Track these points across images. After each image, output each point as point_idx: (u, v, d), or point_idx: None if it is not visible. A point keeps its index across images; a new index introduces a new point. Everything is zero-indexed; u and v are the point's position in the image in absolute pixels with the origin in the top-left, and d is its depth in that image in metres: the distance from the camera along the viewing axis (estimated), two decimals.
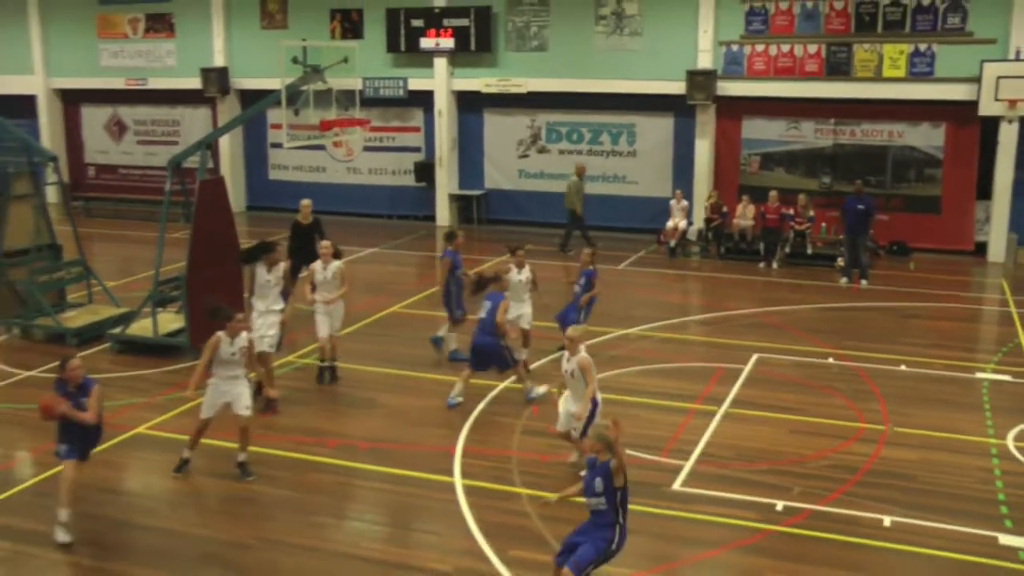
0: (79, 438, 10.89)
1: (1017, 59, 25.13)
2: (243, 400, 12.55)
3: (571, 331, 12.58)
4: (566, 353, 12.43)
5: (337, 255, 15.99)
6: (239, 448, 12.66)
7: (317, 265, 15.88)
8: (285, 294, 15.31)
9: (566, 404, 12.52)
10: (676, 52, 27.83)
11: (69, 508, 10.77)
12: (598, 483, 8.94)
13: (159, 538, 11.02)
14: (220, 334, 12.49)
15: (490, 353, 14.72)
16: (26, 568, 10.54)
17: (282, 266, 15.30)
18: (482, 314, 14.88)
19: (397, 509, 12.09)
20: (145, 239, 26.59)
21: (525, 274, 16.55)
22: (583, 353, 12.27)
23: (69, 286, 19.74)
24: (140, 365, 16.95)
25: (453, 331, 17.44)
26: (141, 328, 17.82)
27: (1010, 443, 13.91)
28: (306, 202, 20.74)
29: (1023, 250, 26.11)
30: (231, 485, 12.44)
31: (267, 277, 14.97)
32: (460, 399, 15.06)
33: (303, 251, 19.22)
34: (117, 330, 18.00)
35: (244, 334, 12.69)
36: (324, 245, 16.16)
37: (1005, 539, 11.15)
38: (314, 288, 15.86)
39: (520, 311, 16.52)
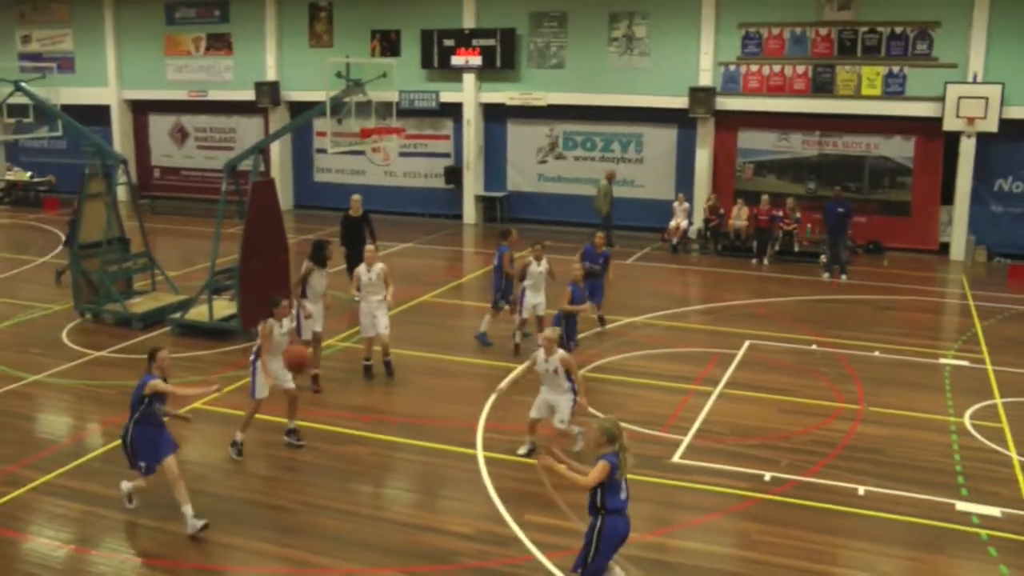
0: (155, 448, 10.51)
1: (975, 82, 25.33)
2: (289, 376, 12.65)
3: (549, 332, 12.35)
4: (541, 352, 12.13)
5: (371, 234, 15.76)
6: (289, 418, 12.85)
7: (362, 268, 15.30)
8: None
9: (544, 394, 12.36)
10: (680, 71, 27.94)
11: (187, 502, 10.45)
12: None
13: (212, 502, 11.08)
14: (271, 320, 12.50)
15: None
16: (95, 527, 10.67)
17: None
18: None
19: (424, 478, 12.22)
20: (203, 234, 27.07)
21: (544, 266, 16.73)
22: (561, 352, 12.18)
23: (135, 275, 19.92)
24: (197, 347, 17.08)
25: (493, 318, 17.55)
26: (198, 314, 17.93)
27: (967, 421, 14.07)
28: (356, 197, 20.82)
29: (980, 249, 26.30)
30: (276, 455, 12.60)
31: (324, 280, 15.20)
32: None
33: (354, 242, 19.48)
34: (177, 315, 18.16)
35: (287, 319, 12.78)
36: (369, 249, 15.74)
37: (961, 505, 11.34)
38: (359, 290, 15.31)
39: (537, 299, 16.74)
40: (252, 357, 12.62)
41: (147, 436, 10.49)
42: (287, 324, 12.76)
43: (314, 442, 12.90)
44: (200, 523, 10.36)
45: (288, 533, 10.59)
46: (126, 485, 10.88)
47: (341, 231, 20.34)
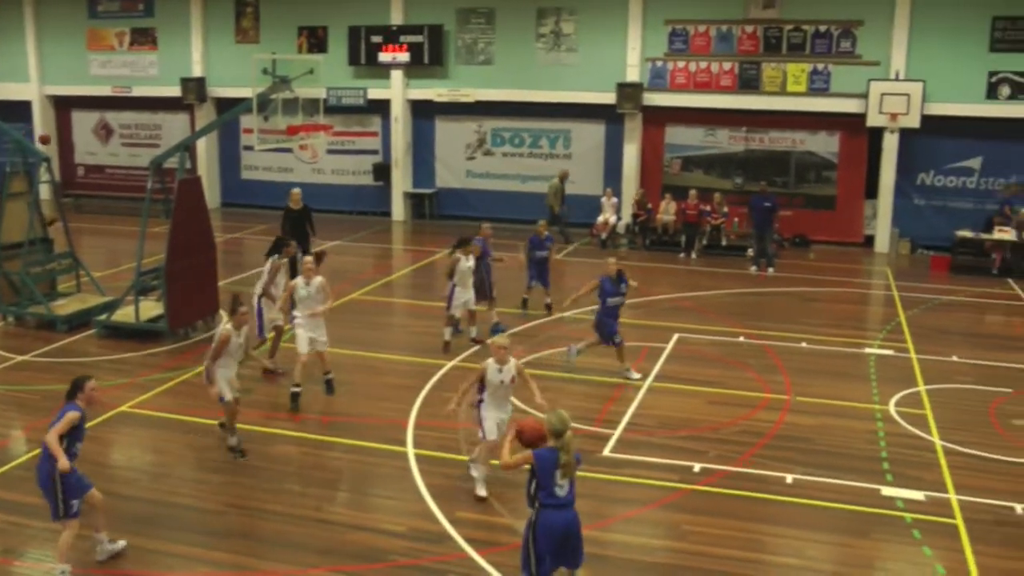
0: (79, 481, 9.39)
1: (897, 79, 25.84)
2: (235, 386, 12.50)
3: (499, 339, 11.24)
4: (492, 362, 10.99)
5: (320, 257, 15.12)
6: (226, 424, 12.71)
7: (299, 281, 14.24)
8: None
9: (496, 412, 11.18)
10: (607, 67, 28.13)
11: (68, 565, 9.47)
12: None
13: (141, 507, 10.94)
14: (229, 327, 12.17)
15: None
16: (19, 537, 10.36)
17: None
18: None
19: (356, 477, 12.13)
20: (129, 233, 26.56)
21: (471, 262, 16.75)
22: (513, 360, 11.15)
23: (60, 276, 19.52)
24: (123, 348, 16.80)
25: (492, 309, 17.75)
26: (124, 315, 17.66)
27: (892, 408, 14.33)
28: (296, 191, 20.88)
29: (904, 242, 26.86)
30: (205, 457, 12.42)
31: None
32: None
33: (297, 236, 19.40)
34: (103, 317, 17.82)
35: (245, 327, 12.48)
36: (308, 261, 14.58)
37: (886, 490, 11.55)
38: (294, 305, 14.44)
39: (467, 296, 16.77)
40: (208, 362, 12.32)
41: (72, 472, 9.27)
42: (244, 333, 12.46)
43: (245, 443, 12.71)
44: (118, 546, 9.93)
45: (218, 536, 10.43)
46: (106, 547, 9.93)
47: (283, 225, 20.36)
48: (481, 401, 11.20)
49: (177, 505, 11.15)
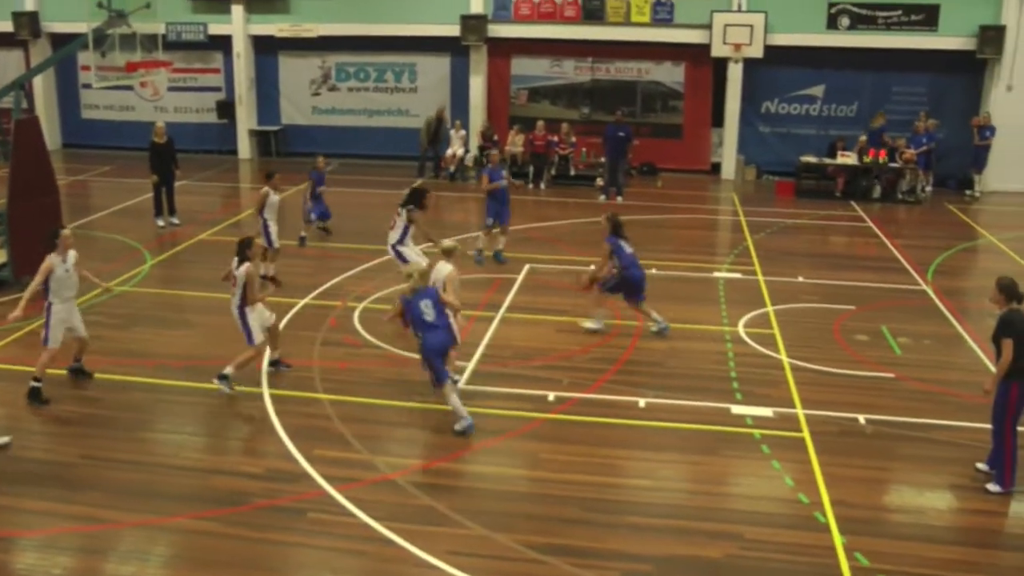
0: None
1: (739, 11, 26.29)
2: (78, 317, 12.19)
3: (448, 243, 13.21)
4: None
5: (244, 256, 12.37)
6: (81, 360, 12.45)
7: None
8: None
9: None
10: None
11: None
12: (426, 304, 11.18)
13: None
14: (51, 256, 11.78)
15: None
16: None
17: None
18: None
19: (211, 420, 11.86)
20: None
21: (278, 196, 17.06)
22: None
23: None
24: None
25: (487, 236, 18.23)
26: None
27: (740, 329, 14.67)
28: (160, 124, 20.91)
29: (750, 168, 27.48)
30: (54, 409, 11.92)
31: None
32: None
33: (164, 169, 20.18)
34: None
35: (73, 252, 12.05)
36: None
37: (736, 409, 11.84)
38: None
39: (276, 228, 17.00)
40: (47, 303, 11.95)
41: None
42: (72, 258, 12.01)
43: (96, 392, 12.33)
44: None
45: (72, 488, 10.05)
46: None
47: (150, 159, 20.48)
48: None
49: (29, 460, 10.69)
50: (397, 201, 15.69)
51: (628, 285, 14.39)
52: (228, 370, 12.20)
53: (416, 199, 15.46)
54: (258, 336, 12.34)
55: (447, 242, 13.19)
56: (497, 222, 18.56)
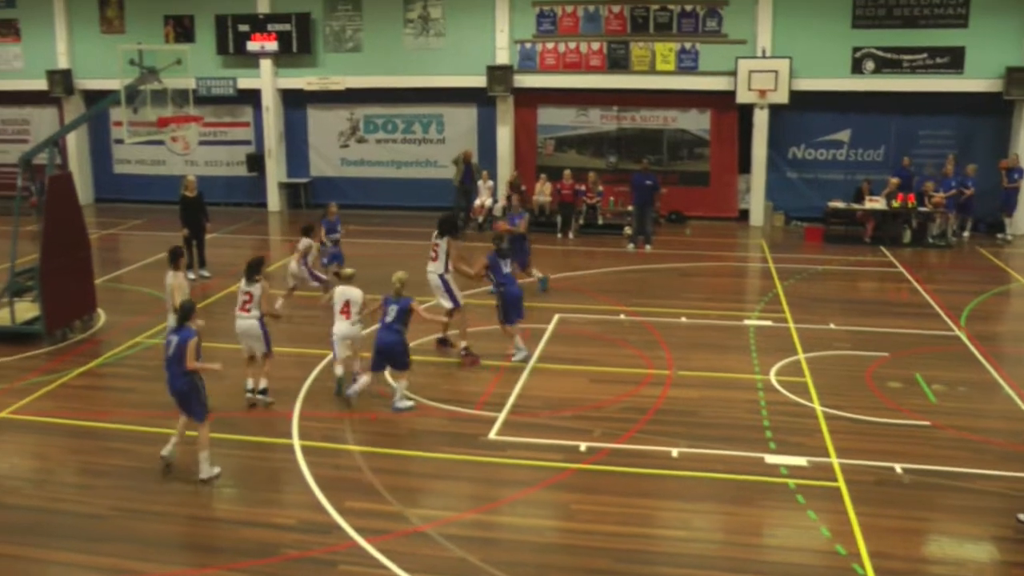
0: None
1: (763, 57, 26.30)
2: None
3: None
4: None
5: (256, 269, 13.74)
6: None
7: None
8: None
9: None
10: (477, 50, 28.00)
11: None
12: (392, 309, 13.23)
13: (23, 516, 10.56)
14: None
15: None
16: None
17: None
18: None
19: (242, 472, 11.82)
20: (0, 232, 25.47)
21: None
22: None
23: None
24: None
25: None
26: None
27: (772, 378, 14.52)
28: (191, 178, 21.23)
29: (778, 214, 27.37)
30: (88, 461, 12.00)
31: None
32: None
33: (194, 222, 20.70)
34: None
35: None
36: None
37: (770, 458, 11.69)
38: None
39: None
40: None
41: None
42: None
43: (128, 444, 12.36)
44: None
45: (102, 541, 10.05)
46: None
47: (181, 213, 20.90)
48: None
49: (60, 512, 10.72)
50: (426, 253, 15.82)
51: (508, 302, 15.25)
52: (263, 384, 13.60)
53: (450, 228, 15.83)
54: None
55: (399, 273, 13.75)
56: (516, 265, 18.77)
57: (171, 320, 13.20)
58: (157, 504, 10.83)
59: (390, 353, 13.34)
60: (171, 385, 11.34)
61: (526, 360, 15.26)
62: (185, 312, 11.47)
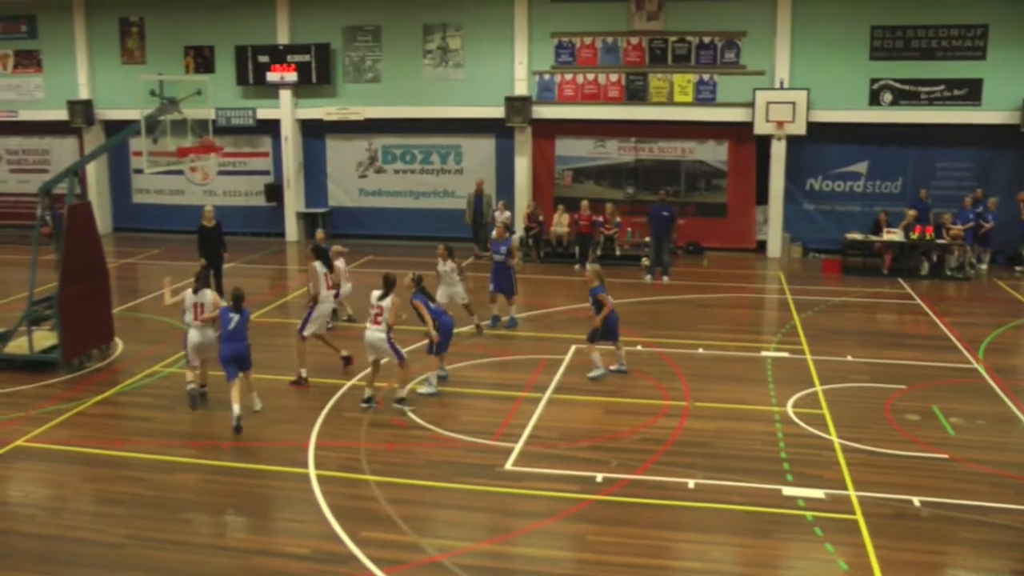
0: None
1: (781, 88, 26.42)
2: None
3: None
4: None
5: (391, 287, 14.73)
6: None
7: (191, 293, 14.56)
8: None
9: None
10: (495, 81, 28.23)
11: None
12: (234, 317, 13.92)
13: (39, 544, 10.56)
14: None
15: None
16: None
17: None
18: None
19: (258, 501, 11.83)
20: (19, 262, 25.66)
21: (450, 264, 18.54)
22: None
23: None
24: (17, 381, 16.12)
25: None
26: (18, 346, 16.99)
27: (789, 410, 14.48)
28: (209, 208, 21.31)
29: (796, 246, 27.37)
30: (105, 489, 12.02)
31: None
32: None
33: (212, 252, 20.68)
34: None
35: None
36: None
37: (787, 490, 11.63)
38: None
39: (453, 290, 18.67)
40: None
41: None
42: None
43: (142, 473, 12.38)
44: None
45: (116, 569, 10.06)
46: None
47: (199, 243, 20.96)
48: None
49: (75, 540, 10.74)
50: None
51: (441, 333, 15.11)
52: (402, 393, 14.53)
53: (393, 287, 15.29)
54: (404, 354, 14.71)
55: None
56: (499, 292, 19.49)
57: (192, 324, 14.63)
58: (172, 533, 10.83)
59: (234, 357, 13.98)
60: (235, 351, 13.90)
61: (434, 395, 15.20)
62: (238, 297, 14.12)
